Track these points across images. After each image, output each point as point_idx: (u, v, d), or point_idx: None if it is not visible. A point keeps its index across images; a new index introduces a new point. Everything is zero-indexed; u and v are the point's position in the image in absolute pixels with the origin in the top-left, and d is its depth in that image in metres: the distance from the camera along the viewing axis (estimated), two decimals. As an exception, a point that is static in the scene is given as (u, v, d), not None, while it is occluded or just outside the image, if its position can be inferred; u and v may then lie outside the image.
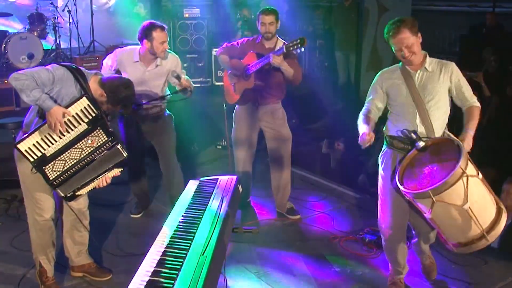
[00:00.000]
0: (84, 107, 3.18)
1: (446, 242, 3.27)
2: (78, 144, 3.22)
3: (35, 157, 3.20)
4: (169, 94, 4.40)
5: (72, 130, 3.20)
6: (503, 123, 6.17)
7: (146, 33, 4.20)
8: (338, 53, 8.69)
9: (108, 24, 9.18)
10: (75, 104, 3.17)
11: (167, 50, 4.35)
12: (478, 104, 3.32)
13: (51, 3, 7.98)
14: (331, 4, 9.61)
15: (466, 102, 3.32)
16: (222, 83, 4.28)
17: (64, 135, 3.19)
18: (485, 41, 7.98)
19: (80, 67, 3.38)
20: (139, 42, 4.29)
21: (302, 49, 4.16)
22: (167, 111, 4.60)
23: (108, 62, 4.43)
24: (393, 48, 3.27)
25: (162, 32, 4.20)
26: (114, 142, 3.25)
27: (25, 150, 3.18)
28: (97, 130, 3.22)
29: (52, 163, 3.22)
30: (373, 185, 5.68)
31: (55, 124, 3.11)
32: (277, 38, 4.53)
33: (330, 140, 6.54)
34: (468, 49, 8.80)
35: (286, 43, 4.22)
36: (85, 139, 3.23)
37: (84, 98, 3.18)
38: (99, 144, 3.24)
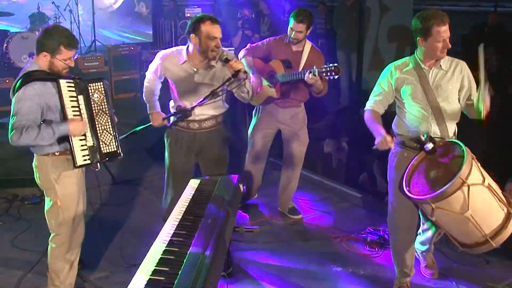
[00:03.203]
0: (67, 88, 3.04)
1: (452, 239, 3.26)
2: (95, 111, 3.14)
3: (87, 156, 3.11)
4: (224, 83, 3.55)
5: (80, 111, 3.10)
6: (504, 123, 6.14)
7: (193, 26, 3.50)
8: (339, 53, 8.66)
9: (109, 24, 9.19)
10: (63, 95, 3.02)
11: (223, 49, 3.64)
12: None
13: (53, 3, 7.99)
14: (333, 4, 9.60)
15: (471, 100, 3.29)
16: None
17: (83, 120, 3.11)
18: (487, 40, 7.96)
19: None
20: (188, 39, 3.61)
21: (336, 77, 3.87)
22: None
23: (151, 69, 3.81)
24: (432, 36, 3.15)
25: (213, 25, 3.48)
26: (102, 78, 3.22)
27: (83, 161, 3.10)
28: (88, 87, 3.13)
29: (100, 142, 3.14)
30: (374, 185, 5.69)
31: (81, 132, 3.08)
32: (305, 40, 4.34)
33: (332, 140, 6.53)
34: (469, 49, 8.78)
35: (319, 68, 3.92)
36: (92, 102, 3.13)
37: (59, 81, 3.03)
38: (103, 91, 3.17)
